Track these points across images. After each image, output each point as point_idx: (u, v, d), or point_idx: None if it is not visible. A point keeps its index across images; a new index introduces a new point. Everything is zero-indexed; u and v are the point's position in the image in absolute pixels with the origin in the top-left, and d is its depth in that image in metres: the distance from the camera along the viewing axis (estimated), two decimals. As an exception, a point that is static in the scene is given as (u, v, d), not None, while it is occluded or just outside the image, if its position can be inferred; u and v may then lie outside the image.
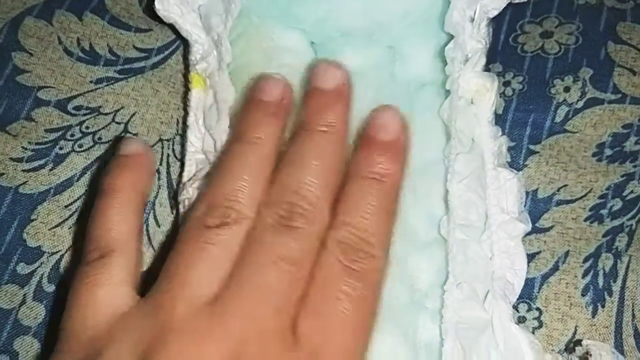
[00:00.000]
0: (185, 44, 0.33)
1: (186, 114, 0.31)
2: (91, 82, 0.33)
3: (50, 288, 0.30)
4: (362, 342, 0.23)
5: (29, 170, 0.31)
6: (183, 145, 0.31)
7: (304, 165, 0.25)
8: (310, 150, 0.25)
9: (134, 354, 0.22)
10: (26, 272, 0.30)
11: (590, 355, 0.26)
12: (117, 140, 0.29)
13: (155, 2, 0.31)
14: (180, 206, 0.30)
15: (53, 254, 0.30)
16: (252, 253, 0.23)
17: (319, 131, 0.26)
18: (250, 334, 0.22)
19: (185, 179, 0.30)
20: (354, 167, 0.26)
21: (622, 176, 0.31)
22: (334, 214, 0.25)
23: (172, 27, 0.33)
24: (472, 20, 0.30)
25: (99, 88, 0.33)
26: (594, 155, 0.32)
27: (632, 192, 0.31)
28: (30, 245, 0.30)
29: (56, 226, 0.31)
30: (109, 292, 0.24)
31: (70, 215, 0.31)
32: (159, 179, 0.32)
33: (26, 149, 0.32)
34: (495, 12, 0.30)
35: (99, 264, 0.25)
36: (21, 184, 0.31)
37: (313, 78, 0.27)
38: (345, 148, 0.26)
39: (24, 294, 0.30)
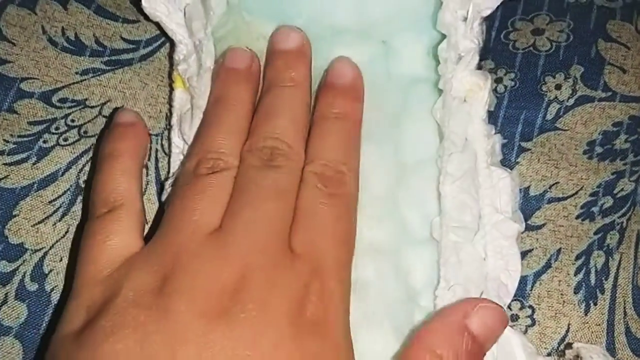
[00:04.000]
0: (171, 42, 0.32)
1: (170, 114, 0.31)
2: (77, 73, 0.32)
3: (32, 287, 0.29)
4: (349, 254, 0.27)
5: (10, 164, 0.30)
6: (171, 141, 0.31)
7: (278, 115, 0.28)
8: (281, 103, 0.29)
9: (155, 277, 0.24)
10: (8, 271, 0.29)
11: (581, 358, 0.26)
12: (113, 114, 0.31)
13: (143, 0, 0.30)
14: (165, 206, 0.29)
15: (36, 251, 0.29)
16: (245, 189, 0.26)
17: (286, 86, 0.29)
18: (254, 258, 0.24)
19: (169, 179, 0.30)
20: (319, 111, 0.29)
21: (612, 174, 0.31)
22: (307, 153, 0.28)
23: (158, 25, 0.32)
24: (465, 19, 0.30)
25: (85, 80, 0.32)
26: (584, 152, 0.32)
27: (622, 189, 0.31)
28: (12, 242, 0.29)
29: (39, 222, 0.30)
30: (121, 239, 0.26)
31: (55, 212, 0.30)
32: (147, 174, 0.31)
33: (8, 141, 0.31)
34: (489, 12, 0.30)
35: (109, 217, 0.27)
36: (2, 178, 0.30)
37: (276, 41, 0.30)
38: (309, 98, 0.30)
39: (6, 293, 0.29)
